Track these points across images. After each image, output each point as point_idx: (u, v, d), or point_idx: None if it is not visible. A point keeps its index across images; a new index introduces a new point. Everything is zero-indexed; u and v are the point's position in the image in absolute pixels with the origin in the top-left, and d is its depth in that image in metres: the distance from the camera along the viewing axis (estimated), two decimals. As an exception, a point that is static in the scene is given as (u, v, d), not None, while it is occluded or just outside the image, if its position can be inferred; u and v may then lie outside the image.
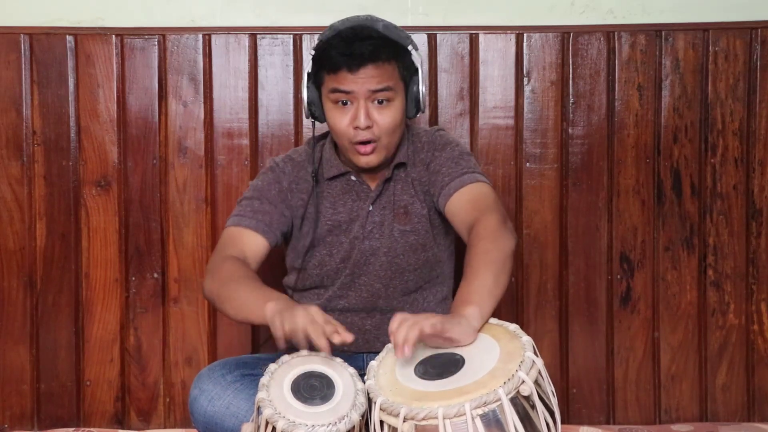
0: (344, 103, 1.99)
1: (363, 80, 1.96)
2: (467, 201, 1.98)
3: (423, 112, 2.07)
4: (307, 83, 2.05)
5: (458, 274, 2.08)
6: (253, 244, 2.03)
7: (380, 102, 1.98)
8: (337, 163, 2.10)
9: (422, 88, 2.03)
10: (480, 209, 1.93)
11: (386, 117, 1.99)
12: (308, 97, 2.05)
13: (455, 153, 2.07)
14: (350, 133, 1.99)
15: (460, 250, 2.11)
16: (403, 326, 1.64)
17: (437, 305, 2.14)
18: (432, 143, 2.10)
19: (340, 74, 1.96)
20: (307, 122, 2.51)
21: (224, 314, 1.95)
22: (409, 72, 2.03)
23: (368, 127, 1.98)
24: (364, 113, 1.97)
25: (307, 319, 1.71)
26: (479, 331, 1.71)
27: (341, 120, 1.99)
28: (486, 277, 1.76)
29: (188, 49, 2.52)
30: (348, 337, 1.70)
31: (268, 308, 1.77)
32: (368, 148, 2.00)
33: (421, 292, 2.13)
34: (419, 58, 2.03)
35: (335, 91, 1.98)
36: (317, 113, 2.07)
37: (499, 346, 1.64)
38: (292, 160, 2.14)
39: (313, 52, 2.03)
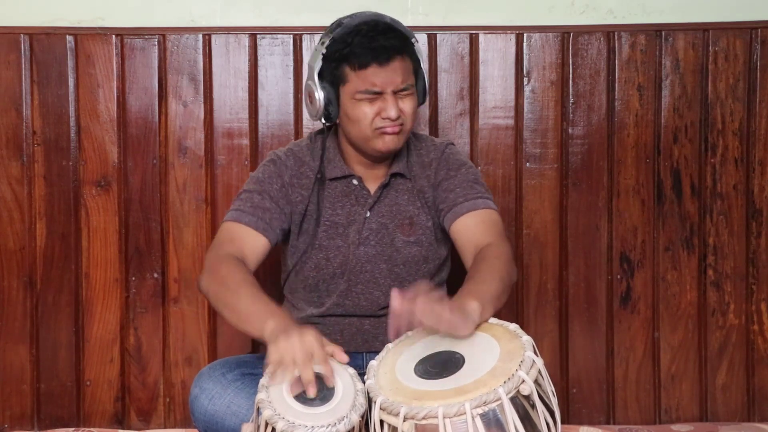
0: (371, 99, 1.99)
1: (392, 74, 1.97)
2: (479, 223, 2.01)
3: (423, 102, 2.09)
4: (320, 83, 2.02)
5: (453, 281, 2.09)
6: (252, 242, 2.01)
7: (404, 95, 2.01)
8: (341, 164, 2.09)
9: (426, 80, 2.08)
10: (494, 234, 1.98)
11: (408, 104, 2.01)
12: (325, 98, 2.02)
13: (470, 177, 2.08)
14: (376, 122, 1.99)
15: (454, 259, 2.13)
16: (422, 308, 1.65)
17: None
18: (445, 161, 2.11)
19: (369, 69, 1.96)
20: (307, 122, 2.52)
21: (220, 314, 1.94)
22: (415, 64, 2.05)
23: (398, 118, 1.99)
24: (393, 105, 1.97)
25: (302, 353, 1.67)
26: (477, 330, 1.72)
27: (368, 112, 1.99)
28: (493, 285, 1.80)
29: (188, 49, 2.52)
30: (344, 359, 1.73)
31: (268, 327, 1.75)
32: (396, 127, 2.00)
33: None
34: (419, 49, 2.07)
35: (366, 91, 1.97)
36: (333, 113, 2.04)
37: (500, 346, 1.65)
38: (294, 153, 2.12)
39: (325, 51, 2.01)
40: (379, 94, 1.97)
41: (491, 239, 1.96)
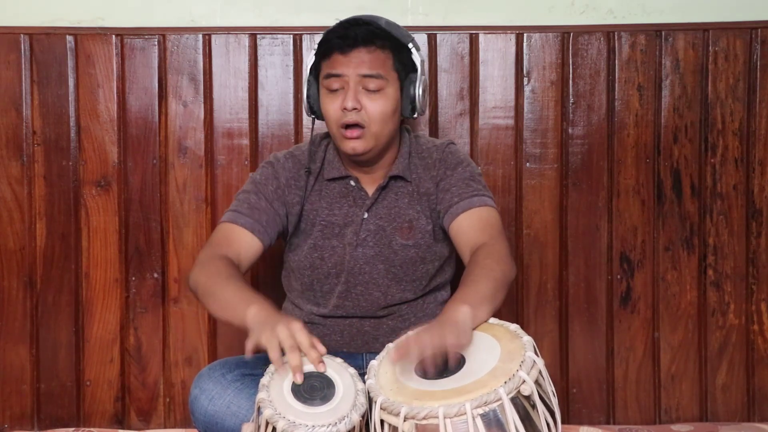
0: (337, 90, 1.99)
1: (354, 64, 1.97)
2: (474, 222, 1.99)
3: (422, 114, 2.07)
4: (308, 77, 2.06)
5: (456, 281, 2.08)
6: (246, 244, 2.02)
7: (372, 90, 1.98)
8: (339, 165, 2.10)
9: (419, 89, 2.03)
10: (488, 233, 1.96)
11: (376, 104, 1.99)
12: (307, 91, 2.07)
13: (466, 174, 2.07)
14: (338, 116, 1.99)
15: (460, 258, 2.12)
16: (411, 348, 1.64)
17: (437, 307, 2.14)
18: (444, 161, 2.09)
19: (333, 57, 1.98)
20: (307, 122, 2.52)
21: (206, 309, 1.94)
22: (405, 68, 2.03)
23: (355, 109, 1.97)
24: (352, 95, 1.97)
25: (288, 341, 1.68)
26: (478, 330, 1.71)
27: (332, 105, 2.00)
28: (485, 286, 1.79)
29: (188, 49, 2.52)
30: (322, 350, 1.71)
31: (250, 313, 1.76)
32: (355, 132, 1.99)
33: (423, 297, 2.13)
34: (420, 58, 2.03)
35: (328, 76, 1.99)
36: (315, 107, 2.07)
37: (500, 346, 1.65)
38: (293, 156, 2.13)
39: (316, 47, 2.04)
40: (339, 77, 1.98)
41: (485, 238, 1.95)
